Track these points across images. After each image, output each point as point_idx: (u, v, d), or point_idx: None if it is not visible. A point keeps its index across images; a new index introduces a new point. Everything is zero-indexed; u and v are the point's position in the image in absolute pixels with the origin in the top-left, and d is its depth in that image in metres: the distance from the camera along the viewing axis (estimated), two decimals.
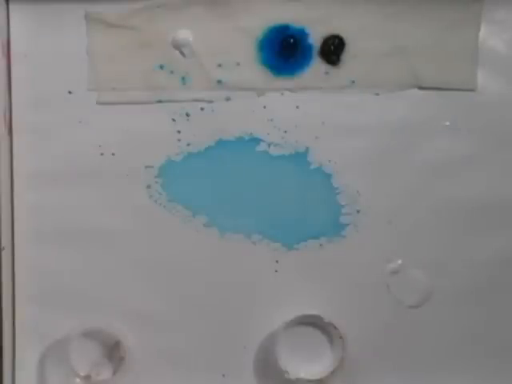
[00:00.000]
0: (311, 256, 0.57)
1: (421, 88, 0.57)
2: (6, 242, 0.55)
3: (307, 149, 0.57)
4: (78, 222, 0.57)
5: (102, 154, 0.57)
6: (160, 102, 0.56)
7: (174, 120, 0.57)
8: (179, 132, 0.57)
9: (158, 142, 0.56)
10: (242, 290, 0.57)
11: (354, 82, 0.56)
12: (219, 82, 0.56)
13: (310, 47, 0.56)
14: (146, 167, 0.57)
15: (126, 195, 0.57)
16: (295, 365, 0.56)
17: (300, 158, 0.57)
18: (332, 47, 0.56)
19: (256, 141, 0.57)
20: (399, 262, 0.57)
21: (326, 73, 0.56)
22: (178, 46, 0.56)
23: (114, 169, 0.56)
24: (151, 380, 0.57)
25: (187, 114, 0.57)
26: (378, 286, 0.57)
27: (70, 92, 0.56)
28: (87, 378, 0.56)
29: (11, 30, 0.56)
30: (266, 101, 0.56)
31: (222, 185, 0.57)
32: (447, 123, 0.57)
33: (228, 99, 0.56)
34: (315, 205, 0.57)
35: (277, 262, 0.57)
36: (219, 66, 0.56)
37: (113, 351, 0.56)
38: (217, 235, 0.57)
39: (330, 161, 0.57)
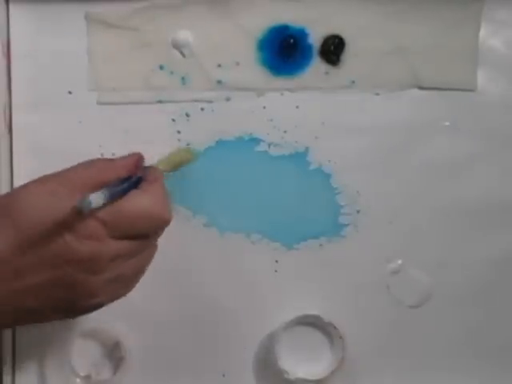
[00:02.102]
0: (311, 256, 0.57)
1: (421, 88, 0.57)
2: None
3: (307, 149, 0.57)
4: None
5: (101, 154, 0.56)
6: (160, 102, 0.56)
7: (173, 120, 0.57)
8: (179, 132, 0.57)
9: (157, 142, 0.56)
10: (241, 289, 0.57)
11: (354, 81, 0.56)
12: (219, 82, 0.56)
13: (309, 47, 0.56)
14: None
15: None
16: (295, 365, 0.56)
17: (300, 158, 0.57)
18: (332, 47, 0.56)
19: (256, 141, 0.56)
20: (399, 261, 0.57)
21: (326, 73, 0.56)
22: (177, 46, 0.56)
23: None
24: (151, 380, 0.57)
25: (187, 114, 0.57)
26: (377, 285, 0.57)
27: (69, 92, 0.56)
28: (87, 377, 0.56)
29: (11, 29, 0.56)
30: (265, 101, 0.56)
31: (222, 185, 0.56)
32: (447, 123, 0.57)
33: (228, 99, 0.56)
34: (315, 205, 0.57)
35: (277, 261, 0.57)
36: (219, 66, 0.56)
37: (113, 351, 0.56)
38: (217, 235, 0.57)
39: (329, 161, 0.57)
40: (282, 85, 0.56)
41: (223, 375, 0.57)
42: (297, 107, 0.57)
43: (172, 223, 0.56)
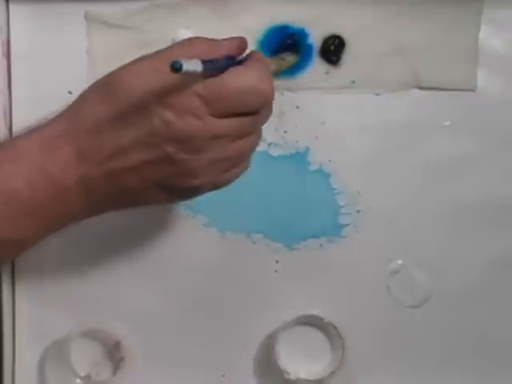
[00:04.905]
0: (311, 256, 0.57)
1: (421, 88, 0.57)
2: None
3: (307, 149, 0.57)
4: None
5: None
6: None
7: None
8: None
9: None
10: (241, 289, 0.57)
11: (354, 81, 0.56)
12: None
13: (310, 47, 0.56)
14: None
15: None
16: (295, 365, 0.56)
17: (300, 158, 0.57)
18: (332, 47, 0.56)
19: None
20: (399, 261, 0.57)
21: (326, 73, 0.56)
22: None
23: None
24: (151, 380, 0.57)
25: None
26: (378, 285, 0.57)
27: (70, 92, 0.56)
28: (87, 377, 0.56)
29: (11, 30, 0.56)
30: None
31: None
32: (447, 123, 0.57)
33: None
34: (315, 205, 0.57)
35: (277, 262, 0.57)
36: None
37: (113, 351, 0.56)
38: (217, 235, 0.57)
39: (329, 161, 0.57)
40: (282, 85, 0.56)
41: (223, 375, 0.57)
42: (297, 107, 0.57)
43: (172, 223, 0.57)
